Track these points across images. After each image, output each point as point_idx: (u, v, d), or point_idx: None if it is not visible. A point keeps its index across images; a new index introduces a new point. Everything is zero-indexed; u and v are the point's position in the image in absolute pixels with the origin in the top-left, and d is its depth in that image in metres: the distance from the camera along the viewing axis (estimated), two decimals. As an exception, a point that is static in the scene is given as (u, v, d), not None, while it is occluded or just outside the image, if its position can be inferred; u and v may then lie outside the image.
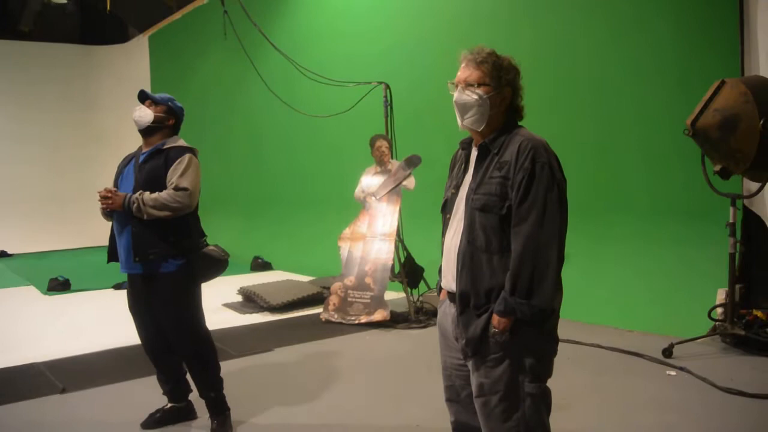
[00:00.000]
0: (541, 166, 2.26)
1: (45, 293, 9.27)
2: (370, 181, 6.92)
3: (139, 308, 3.95)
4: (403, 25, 9.21)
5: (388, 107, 7.48)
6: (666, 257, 6.17)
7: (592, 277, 6.67)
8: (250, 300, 7.47)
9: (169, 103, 3.96)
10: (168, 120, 3.94)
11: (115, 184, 3.94)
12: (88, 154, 18.38)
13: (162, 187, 3.76)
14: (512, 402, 2.32)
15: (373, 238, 6.84)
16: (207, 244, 3.93)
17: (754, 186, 5.08)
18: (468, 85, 2.38)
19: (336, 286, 6.90)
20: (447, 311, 2.53)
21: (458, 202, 2.45)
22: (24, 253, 14.67)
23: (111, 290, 9.30)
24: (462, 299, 2.37)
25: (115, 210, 3.74)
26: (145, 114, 3.87)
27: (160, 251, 3.72)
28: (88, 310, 8.04)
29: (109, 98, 18.44)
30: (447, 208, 2.52)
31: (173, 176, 3.76)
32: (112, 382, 4.97)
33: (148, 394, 4.44)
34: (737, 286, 5.46)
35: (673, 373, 4.69)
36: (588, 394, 4.35)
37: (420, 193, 6.81)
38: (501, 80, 2.38)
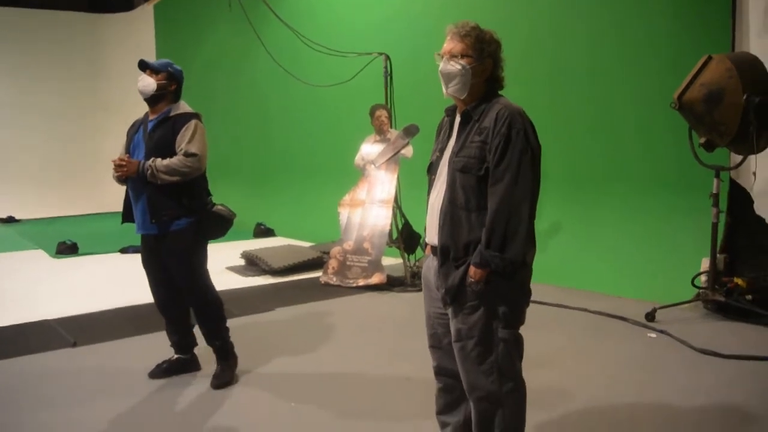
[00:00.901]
0: (516, 132, 2.47)
1: (53, 256, 9.51)
2: (370, 149, 7.10)
3: (152, 265, 4.22)
4: (405, -3, 9.36)
5: (388, 78, 7.65)
6: (654, 227, 6.37)
7: (583, 245, 6.89)
8: (253, 263, 7.70)
9: (169, 68, 4.14)
10: (170, 86, 4.14)
11: (127, 151, 4.17)
12: (94, 122, 18.53)
13: (171, 152, 3.99)
14: (487, 346, 2.55)
15: (371, 204, 7.05)
16: (214, 204, 4.19)
17: (739, 158, 5.26)
18: (452, 56, 2.58)
19: (335, 250, 7.13)
20: (430, 264, 2.75)
21: (442, 165, 2.66)
22: (31, 219, 14.87)
23: (117, 254, 9.55)
24: (443, 252, 2.59)
25: (130, 177, 4.00)
26: (148, 83, 4.06)
27: (173, 212, 4.00)
28: (95, 272, 8.29)
29: (114, 67, 18.52)
30: (432, 169, 2.74)
31: (182, 142, 4.00)
32: (120, 337, 5.22)
33: (154, 348, 4.69)
34: (722, 255, 5.68)
35: (653, 335, 4.92)
36: (570, 354, 4.59)
37: (417, 162, 6.96)
38: (483, 52, 2.58)
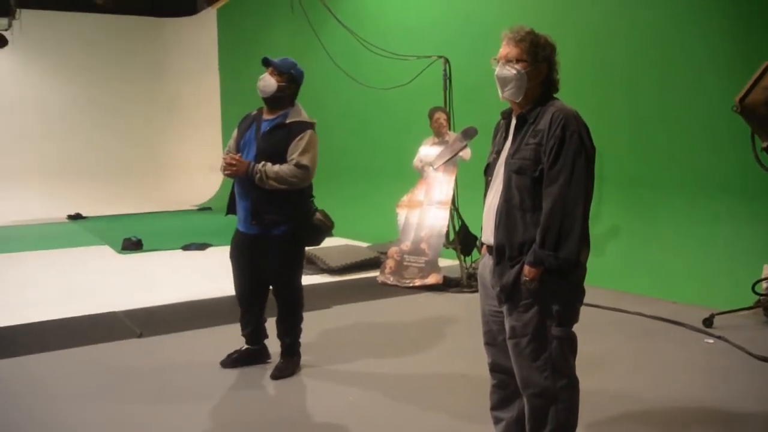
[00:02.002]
0: (570, 134, 2.53)
1: (119, 252, 9.82)
2: (428, 151, 7.18)
3: (242, 260, 4.34)
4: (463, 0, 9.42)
5: (447, 80, 7.72)
6: (714, 232, 6.30)
7: (641, 249, 6.85)
8: (311, 262, 7.84)
9: (291, 71, 4.20)
10: (290, 88, 4.21)
11: (237, 146, 4.25)
12: (158, 122, 19.06)
13: (282, 159, 4.06)
14: (540, 343, 2.61)
15: (429, 205, 7.13)
16: (316, 209, 4.29)
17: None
18: (507, 61, 2.65)
19: (393, 250, 7.23)
20: (486, 263, 2.83)
21: (498, 166, 2.74)
22: (97, 216, 15.31)
23: (180, 251, 9.83)
24: (498, 251, 2.67)
25: (239, 175, 4.09)
26: (270, 84, 4.13)
27: (275, 218, 4.10)
28: (160, 267, 8.56)
29: (179, 69, 19.02)
30: (489, 171, 2.82)
31: (294, 152, 4.06)
32: (186, 329, 5.42)
33: (217, 340, 4.89)
34: (784, 262, 5.59)
35: (710, 341, 4.87)
36: (625, 356, 4.59)
37: (475, 164, 6.96)
38: (538, 56, 2.65)
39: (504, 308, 2.70)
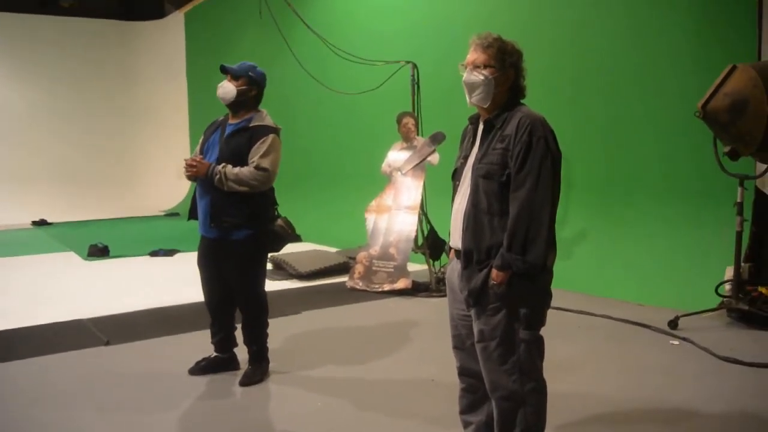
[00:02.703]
0: (537, 139, 2.56)
1: (85, 258, 9.67)
2: (396, 156, 7.20)
3: (207, 265, 4.32)
4: (430, 6, 9.46)
5: (415, 86, 7.75)
6: (679, 236, 6.40)
7: (607, 252, 6.93)
8: (280, 267, 7.81)
9: (250, 73, 4.18)
10: (251, 91, 4.19)
11: (201, 150, 4.24)
12: (125, 127, 18.83)
13: (244, 162, 4.05)
14: (508, 347, 2.63)
15: (398, 210, 7.15)
16: (278, 216, 4.28)
17: (764, 167, 5.28)
18: (475, 66, 2.68)
19: (361, 255, 7.23)
20: (454, 267, 2.85)
21: (466, 171, 2.76)
22: (63, 222, 15.10)
23: (147, 257, 9.71)
24: (466, 255, 2.69)
25: (199, 177, 4.07)
26: (229, 90, 4.12)
27: (234, 220, 4.07)
28: (126, 274, 8.45)
29: (146, 73, 18.82)
30: (456, 176, 2.85)
31: (255, 155, 4.05)
32: (151, 336, 5.36)
33: (184, 348, 4.86)
34: (746, 264, 5.68)
35: (676, 342, 4.94)
36: (592, 359, 4.64)
37: (444, 169, 6.98)
38: (505, 62, 2.68)
39: (472, 312, 2.72)
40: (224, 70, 4.20)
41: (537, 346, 2.68)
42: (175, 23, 17.92)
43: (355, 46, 9.06)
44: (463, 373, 2.94)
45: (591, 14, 7.26)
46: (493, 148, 2.64)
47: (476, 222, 2.65)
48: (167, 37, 18.17)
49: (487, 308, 2.64)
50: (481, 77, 2.65)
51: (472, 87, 2.68)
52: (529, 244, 2.54)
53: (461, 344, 2.90)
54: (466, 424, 3.00)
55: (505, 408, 2.69)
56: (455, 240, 2.78)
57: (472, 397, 2.94)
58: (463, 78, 2.70)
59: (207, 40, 16.23)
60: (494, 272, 2.59)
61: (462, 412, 3.01)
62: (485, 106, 2.71)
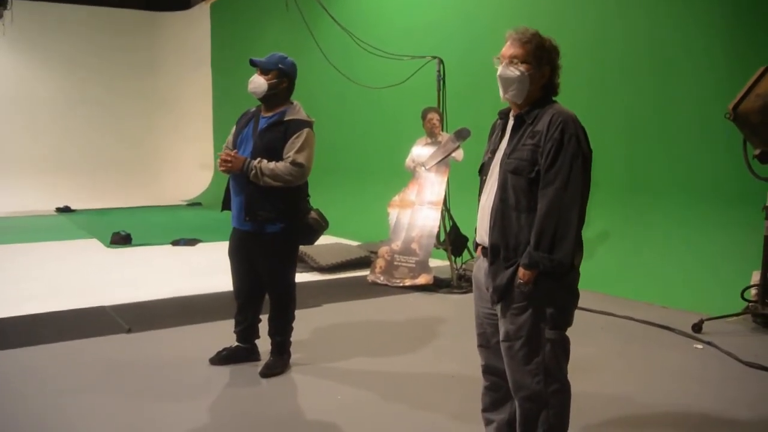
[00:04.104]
0: (568, 137, 2.53)
1: (108, 246, 9.77)
2: (421, 151, 7.18)
3: (239, 257, 4.33)
4: (456, 1, 9.42)
5: (441, 81, 7.72)
6: (704, 238, 6.33)
7: (631, 253, 6.87)
8: (301, 260, 7.81)
9: (279, 65, 4.16)
10: (281, 84, 4.18)
11: (234, 144, 4.23)
12: (149, 116, 19.00)
13: (279, 156, 4.05)
14: (533, 347, 2.61)
15: (421, 205, 7.13)
16: (311, 209, 4.27)
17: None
18: (511, 61, 2.64)
19: (383, 250, 7.22)
20: (481, 265, 2.82)
21: (493, 166, 2.73)
22: (86, 209, 15.24)
23: (169, 246, 9.79)
24: (493, 251, 2.66)
25: (233, 171, 4.07)
26: (259, 85, 4.11)
27: (269, 214, 4.08)
28: (148, 262, 8.52)
29: (171, 64, 18.95)
30: (483, 170, 2.81)
31: (290, 150, 4.05)
32: (175, 325, 5.39)
33: (209, 337, 4.87)
34: (773, 269, 5.61)
35: (699, 346, 4.89)
36: (614, 360, 4.60)
37: (468, 165, 7.00)
38: (542, 59, 2.64)
39: (497, 310, 2.70)
40: (253, 64, 4.18)
41: (563, 347, 2.65)
42: (201, 14, 18.01)
43: (381, 40, 9.05)
44: (487, 371, 2.92)
45: (614, 12, 7.20)
46: (523, 144, 2.61)
47: (503, 218, 2.62)
48: (193, 28, 18.26)
49: (513, 307, 2.62)
50: (517, 73, 2.62)
51: (507, 82, 2.65)
52: (557, 243, 2.51)
53: (486, 342, 2.87)
54: (487, 422, 2.98)
55: (528, 408, 2.67)
56: (482, 236, 2.76)
57: (495, 395, 2.92)
58: (498, 72, 2.66)
59: (232, 32, 16.30)
60: (521, 271, 2.56)
61: (484, 409, 2.98)
62: (519, 102, 2.68)
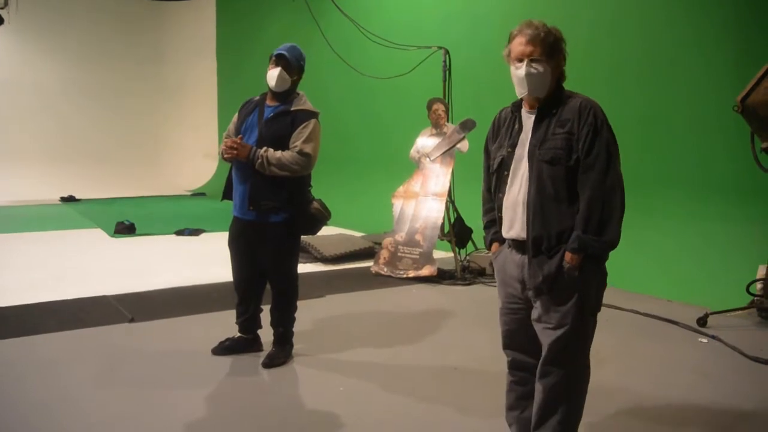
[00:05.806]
0: (601, 122, 2.57)
1: (112, 235, 9.74)
2: (425, 142, 7.15)
3: (240, 247, 4.31)
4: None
5: (447, 72, 7.68)
6: (710, 232, 6.29)
7: (636, 247, 6.80)
8: (305, 251, 7.80)
9: (301, 62, 4.18)
10: (299, 79, 4.22)
11: (238, 131, 4.20)
12: (153, 106, 18.98)
13: (284, 145, 4.04)
14: (573, 331, 2.63)
15: (425, 197, 7.11)
16: (313, 199, 4.26)
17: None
18: (532, 60, 2.61)
19: (387, 240, 7.20)
20: (509, 258, 2.80)
21: (517, 160, 2.70)
22: (90, 199, 15.23)
23: (173, 235, 9.76)
24: (535, 244, 2.64)
25: (239, 159, 4.05)
26: (285, 80, 4.10)
27: (272, 204, 4.07)
28: (152, 252, 8.50)
29: (176, 52, 18.92)
30: (504, 165, 2.76)
31: (297, 140, 4.04)
32: (177, 315, 5.38)
33: (212, 327, 4.86)
34: (779, 263, 5.58)
35: (704, 340, 4.87)
36: (619, 353, 4.58)
37: (473, 157, 6.99)
38: (557, 51, 2.65)
39: (538, 302, 2.69)
40: (282, 58, 4.12)
41: (593, 331, 2.72)
42: (206, 3, 17.95)
43: (388, 30, 9.01)
44: (514, 366, 2.92)
45: (629, 5, 7.14)
46: (554, 134, 2.61)
47: (543, 209, 2.61)
48: (198, 18, 18.21)
49: (561, 294, 2.63)
50: (542, 70, 2.61)
51: (533, 81, 2.61)
52: (604, 225, 2.56)
53: (512, 341, 2.88)
54: (512, 421, 2.96)
55: (552, 393, 2.69)
56: (516, 230, 2.71)
57: (523, 389, 2.91)
58: (522, 73, 2.62)
59: (237, 22, 16.24)
60: (569, 255, 2.58)
61: (510, 407, 2.97)
62: (542, 96, 2.67)
